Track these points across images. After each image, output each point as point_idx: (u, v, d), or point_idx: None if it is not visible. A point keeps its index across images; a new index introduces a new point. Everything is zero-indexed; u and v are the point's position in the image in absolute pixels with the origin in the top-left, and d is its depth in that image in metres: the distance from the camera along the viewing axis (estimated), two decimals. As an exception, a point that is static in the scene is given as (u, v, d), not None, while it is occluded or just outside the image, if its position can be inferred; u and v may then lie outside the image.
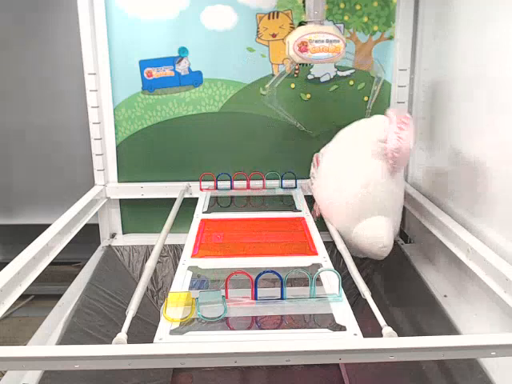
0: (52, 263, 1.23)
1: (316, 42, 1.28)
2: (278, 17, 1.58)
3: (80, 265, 1.57)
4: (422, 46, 1.59)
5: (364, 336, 0.79)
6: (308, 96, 1.65)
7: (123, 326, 0.82)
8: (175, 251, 1.68)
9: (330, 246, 1.45)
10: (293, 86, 1.64)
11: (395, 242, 1.66)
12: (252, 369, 1.50)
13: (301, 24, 1.33)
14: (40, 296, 2.17)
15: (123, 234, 1.78)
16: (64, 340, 1.11)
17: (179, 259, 1.10)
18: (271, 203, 1.61)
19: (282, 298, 0.90)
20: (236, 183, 1.63)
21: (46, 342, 1.10)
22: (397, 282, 1.48)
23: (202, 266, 1.06)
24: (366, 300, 0.93)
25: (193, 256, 1.10)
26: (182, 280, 0.99)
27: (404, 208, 1.71)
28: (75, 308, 1.24)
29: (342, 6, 1.58)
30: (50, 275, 1.48)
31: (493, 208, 1.20)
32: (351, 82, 1.64)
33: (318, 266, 1.04)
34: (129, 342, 0.78)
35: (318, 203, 1.38)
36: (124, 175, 1.72)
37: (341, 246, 1.18)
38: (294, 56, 1.30)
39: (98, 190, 1.65)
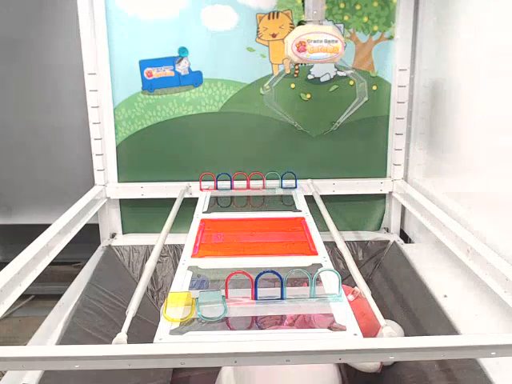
0: (52, 263, 1.23)
1: (314, 42, 1.27)
2: (277, 17, 1.58)
3: (80, 265, 1.57)
4: (422, 46, 1.59)
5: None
6: (308, 96, 1.65)
7: (123, 326, 0.82)
8: (175, 251, 1.68)
9: (330, 245, 1.45)
10: (293, 85, 1.64)
11: (395, 241, 1.67)
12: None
13: (300, 24, 1.32)
14: (40, 296, 2.17)
15: (123, 234, 1.78)
16: (64, 340, 1.11)
17: (179, 259, 1.10)
18: (271, 203, 1.61)
19: (282, 298, 0.89)
20: (236, 183, 1.63)
21: (46, 342, 1.10)
22: (397, 281, 1.48)
23: (202, 266, 1.06)
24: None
25: (193, 256, 1.10)
26: (182, 280, 0.99)
27: (404, 208, 1.72)
28: (75, 308, 1.24)
29: (342, 5, 1.58)
30: (50, 275, 1.48)
31: (493, 208, 1.20)
32: (351, 82, 1.64)
33: (318, 265, 1.04)
34: (129, 342, 0.78)
35: None
36: (124, 175, 1.72)
37: (341, 246, 1.18)
38: (291, 56, 1.29)
39: (98, 190, 1.65)
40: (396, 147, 1.70)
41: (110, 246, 1.67)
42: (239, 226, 1.32)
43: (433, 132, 1.55)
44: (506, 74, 1.12)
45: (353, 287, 0.96)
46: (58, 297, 1.31)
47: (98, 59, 1.59)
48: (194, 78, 1.62)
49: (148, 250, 1.67)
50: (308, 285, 0.89)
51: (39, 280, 1.16)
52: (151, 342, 0.77)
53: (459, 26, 1.35)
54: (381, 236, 1.75)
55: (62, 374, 0.98)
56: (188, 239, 1.20)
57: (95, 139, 1.65)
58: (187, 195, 1.64)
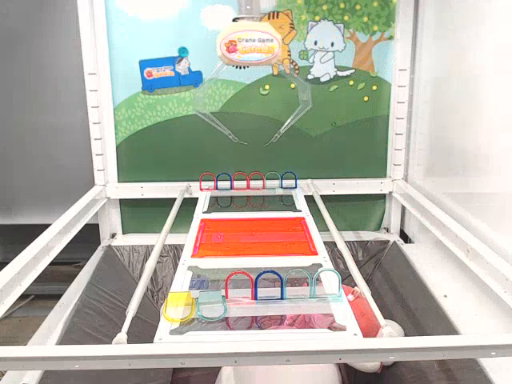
0: (52, 263, 1.23)
1: (246, 41, 1.11)
2: (277, 17, 1.58)
3: (80, 265, 1.57)
4: (422, 46, 1.59)
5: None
6: (308, 96, 1.65)
7: (123, 326, 0.82)
8: (175, 251, 1.68)
9: (330, 245, 1.45)
10: (293, 86, 1.64)
11: (395, 241, 1.67)
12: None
13: (234, 21, 1.16)
14: (40, 296, 2.17)
15: (123, 234, 1.78)
16: (64, 340, 1.11)
17: (179, 259, 1.10)
18: (271, 203, 1.61)
19: (281, 298, 0.89)
20: (236, 183, 1.63)
21: (46, 342, 1.10)
22: (397, 281, 1.48)
23: (202, 266, 1.06)
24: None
25: (193, 256, 1.10)
26: (182, 280, 0.99)
27: (404, 208, 1.72)
28: (75, 308, 1.24)
29: (341, 6, 1.58)
30: (50, 275, 1.48)
31: (493, 208, 1.20)
32: (351, 82, 1.64)
33: (318, 265, 1.04)
34: (129, 341, 0.78)
35: None
36: (124, 175, 1.71)
37: (341, 246, 1.18)
38: (222, 57, 1.14)
39: (98, 190, 1.65)
40: (396, 147, 1.70)
41: (109, 246, 1.67)
42: (239, 225, 1.32)
43: (433, 132, 1.55)
44: (507, 72, 1.12)
45: (353, 287, 0.96)
46: (58, 297, 1.31)
47: (98, 59, 1.59)
48: (194, 78, 1.62)
49: (148, 250, 1.67)
50: (308, 285, 0.89)
51: (39, 280, 1.16)
52: (151, 342, 0.77)
53: (459, 25, 1.35)
54: (381, 236, 1.75)
55: (62, 373, 0.98)
56: (188, 239, 1.20)
57: (95, 139, 1.65)
58: (187, 195, 1.64)
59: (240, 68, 1.21)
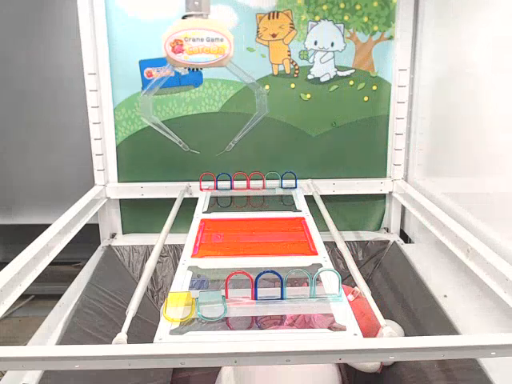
0: (52, 263, 1.23)
1: (193, 40, 1.01)
2: (277, 17, 1.58)
3: (80, 265, 1.57)
4: (422, 46, 1.59)
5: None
6: (308, 96, 1.65)
7: (123, 326, 0.82)
8: (175, 251, 1.68)
9: (330, 245, 1.45)
10: (293, 85, 1.64)
11: (395, 241, 1.67)
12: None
13: (184, 19, 1.06)
14: (40, 296, 2.17)
15: (123, 234, 1.78)
16: (64, 340, 1.11)
17: (179, 259, 1.10)
18: (271, 203, 1.61)
19: (281, 298, 0.90)
20: (236, 183, 1.63)
21: (46, 342, 1.10)
22: (397, 281, 1.48)
23: (202, 266, 1.06)
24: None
25: (193, 256, 1.10)
26: (182, 280, 0.99)
27: (404, 208, 1.72)
28: (75, 308, 1.24)
29: (341, 6, 1.58)
30: (50, 275, 1.47)
31: (493, 208, 1.20)
32: (351, 82, 1.64)
33: (318, 265, 1.04)
34: (129, 342, 0.78)
35: None
36: (124, 175, 1.71)
37: (341, 246, 1.18)
38: (167, 58, 1.04)
39: (98, 190, 1.65)
40: (396, 147, 1.70)
41: (109, 246, 1.67)
42: (239, 226, 1.32)
43: (433, 132, 1.55)
44: (508, 72, 1.12)
45: (353, 287, 0.96)
46: (58, 297, 1.31)
47: (98, 59, 1.59)
48: (194, 78, 1.62)
49: (148, 250, 1.67)
50: (308, 285, 0.89)
51: (39, 280, 1.16)
52: (151, 342, 0.77)
53: (459, 25, 1.35)
54: (381, 236, 1.75)
55: (62, 373, 0.98)
56: (188, 239, 1.20)
57: (95, 139, 1.65)
58: (187, 195, 1.64)
59: (192, 70, 1.11)
